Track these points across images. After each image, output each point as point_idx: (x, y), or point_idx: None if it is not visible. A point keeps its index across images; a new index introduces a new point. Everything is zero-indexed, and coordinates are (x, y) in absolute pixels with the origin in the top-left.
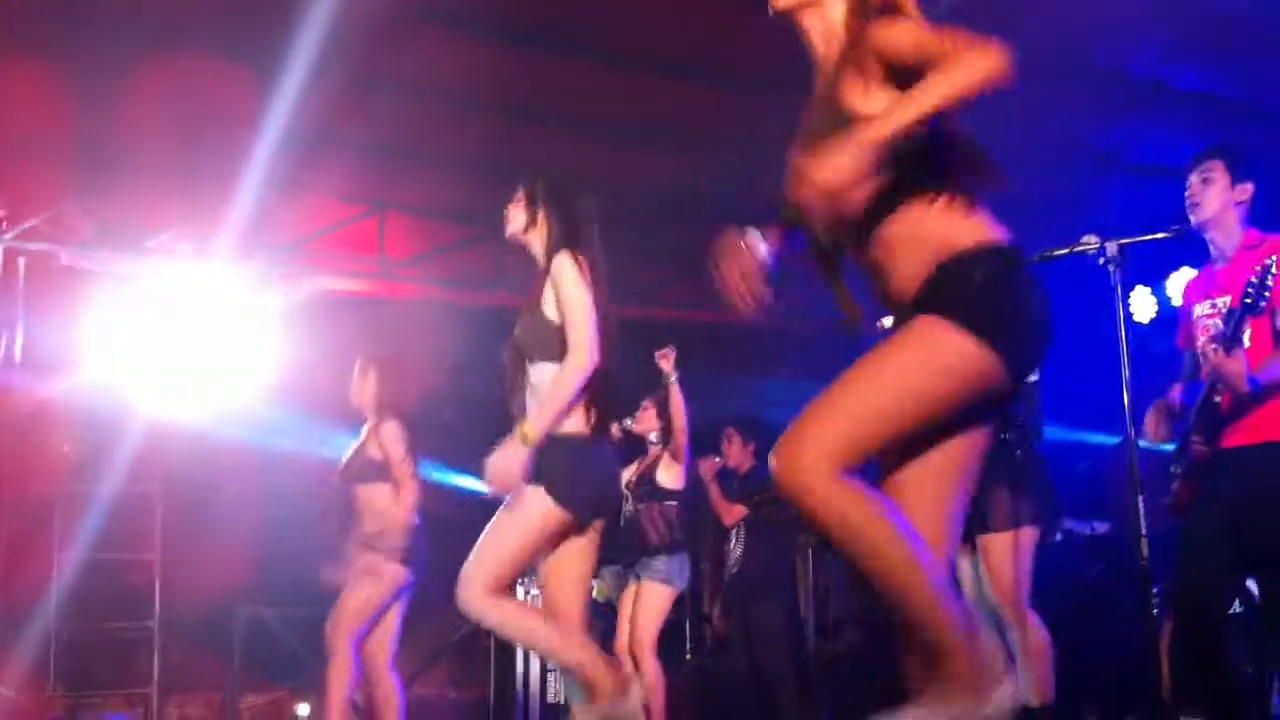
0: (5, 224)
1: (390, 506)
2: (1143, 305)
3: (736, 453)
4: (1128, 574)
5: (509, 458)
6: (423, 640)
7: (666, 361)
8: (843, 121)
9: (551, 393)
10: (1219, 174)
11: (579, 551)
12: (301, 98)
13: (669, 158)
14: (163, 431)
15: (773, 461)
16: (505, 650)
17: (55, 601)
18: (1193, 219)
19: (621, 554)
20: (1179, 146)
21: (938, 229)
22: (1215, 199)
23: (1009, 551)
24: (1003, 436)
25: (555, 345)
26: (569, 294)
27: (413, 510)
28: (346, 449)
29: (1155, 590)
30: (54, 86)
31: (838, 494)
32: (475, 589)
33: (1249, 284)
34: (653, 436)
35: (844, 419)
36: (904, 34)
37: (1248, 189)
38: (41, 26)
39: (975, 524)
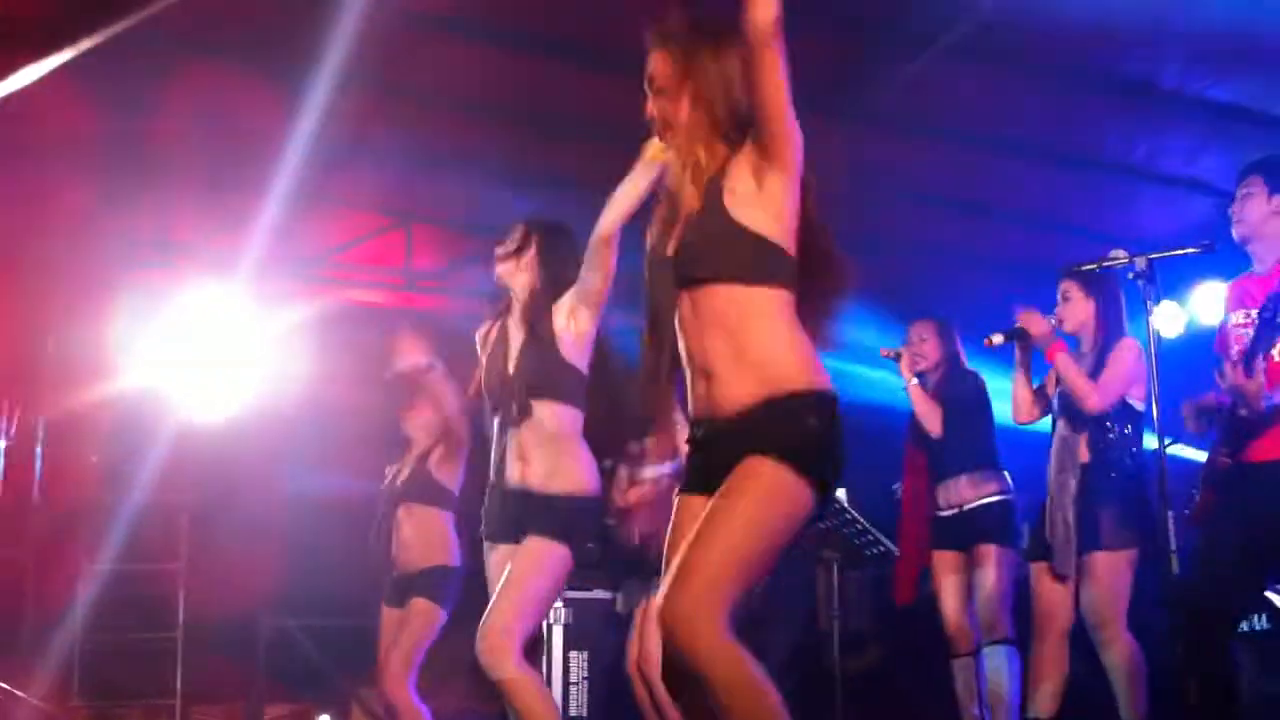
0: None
1: (443, 529)
2: (1170, 320)
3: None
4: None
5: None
6: (443, 654)
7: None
8: (730, 227)
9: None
10: (1258, 187)
11: None
12: (328, 110)
13: None
14: (189, 442)
15: (663, 617)
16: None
17: (80, 611)
18: (1235, 235)
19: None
20: (1208, 159)
21: (772, 357)
22: (1254, 211)
23: (1115, 571)
24: (1101, 467)
25: (566, 386)
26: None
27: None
28: (389, 470)
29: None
30: (85, 98)
31: (725, 646)
32: (511, 660)
33: (1270, 298)
34: None
35: (723, 576)
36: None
37: None
38: (73, 40)
39: (1083, 542)
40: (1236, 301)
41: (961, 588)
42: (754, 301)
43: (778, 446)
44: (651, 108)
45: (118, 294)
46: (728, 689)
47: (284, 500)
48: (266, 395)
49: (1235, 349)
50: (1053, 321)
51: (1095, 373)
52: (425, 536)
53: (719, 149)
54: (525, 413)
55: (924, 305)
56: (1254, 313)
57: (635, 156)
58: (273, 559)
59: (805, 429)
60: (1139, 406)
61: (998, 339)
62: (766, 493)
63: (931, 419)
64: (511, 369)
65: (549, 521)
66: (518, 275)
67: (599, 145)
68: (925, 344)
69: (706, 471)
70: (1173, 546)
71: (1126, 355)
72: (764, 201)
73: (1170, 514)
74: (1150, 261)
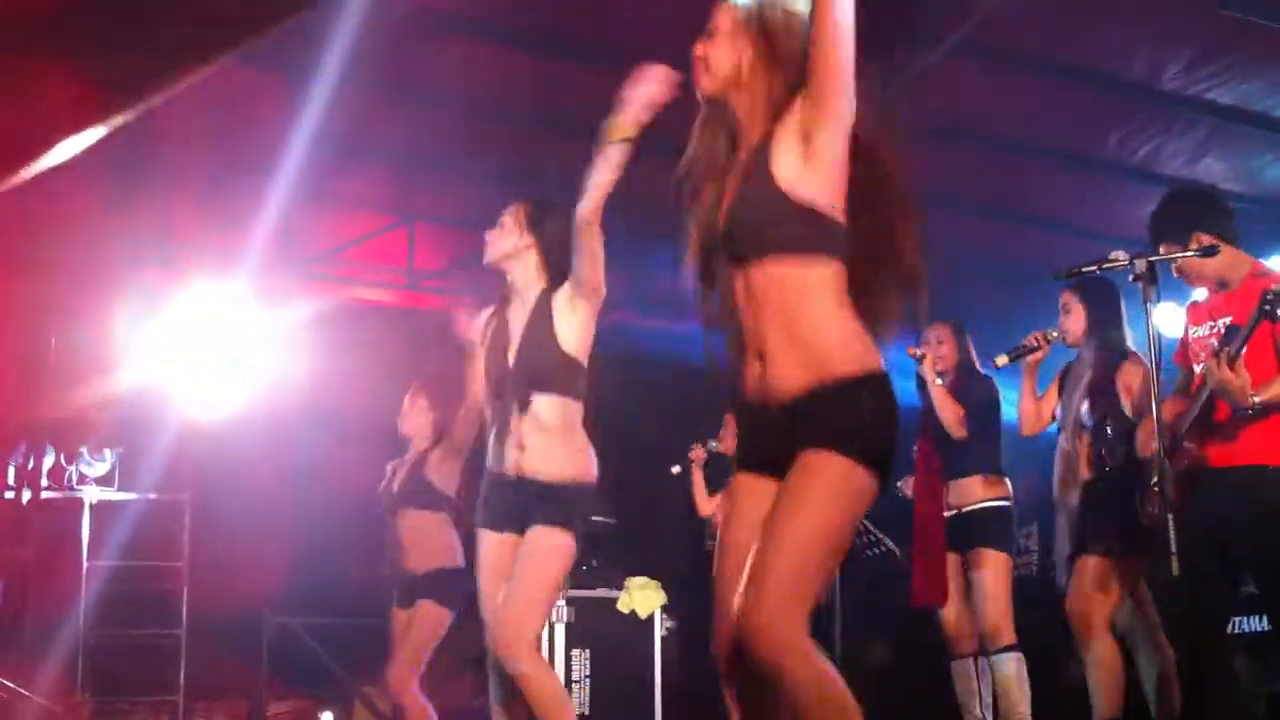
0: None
1: (442, 531)
2: (1169, 321)
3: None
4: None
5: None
6: (448, 651)
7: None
8: (782, 202)
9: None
10: (1168, 248)
11: None
12: (331, 108)
13: None
14: (192, 439)
15: (742, 627)
16: None
17: (84, 608)
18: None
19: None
20: (1210, 160)
21: (823, 340)
22: (1187, 265)
23: (1106, 576)
24: (1105, 468)
25: (566, 378)
26: (583, 336)
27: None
28: (389, 473)
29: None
30: (86, 96)
31: (808, 658)
32: (526, 653)
33: (1267, 293)
34: None
35: (798, 581)
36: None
37: (1200, 238)
38: (74, 38)
39: (1080, 544)
40: (1203, 315)
41: (960, 590)
42: (805, 279)
43: (835, 438)
44: (699, 49)
45: (121, 292)
46: (808, 705)
47: (287, 498)
48: (269, 393)
49: (1203, 355)
50: (1055, 334)
51: (1097, 387)
52: (425, 540)
53: (770, 108)
54: (524, 408)
55: (931, 305)
56: (1221, 322)
57: (643, 159)
58: (276, 556)
59: (859, 415)
60: (1136, 419)
61: (1003, 360)
62: (831, 490)
63: (956, 422)
64: (511, 361)
65: (552, 510)
66: (513, 260)
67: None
68: (942, 345)
69: (763, 452)
70: (1174, 549)
71: (1140, 380)
72: (813, 163)
73: (1170, 517)
74: (1150, 263)
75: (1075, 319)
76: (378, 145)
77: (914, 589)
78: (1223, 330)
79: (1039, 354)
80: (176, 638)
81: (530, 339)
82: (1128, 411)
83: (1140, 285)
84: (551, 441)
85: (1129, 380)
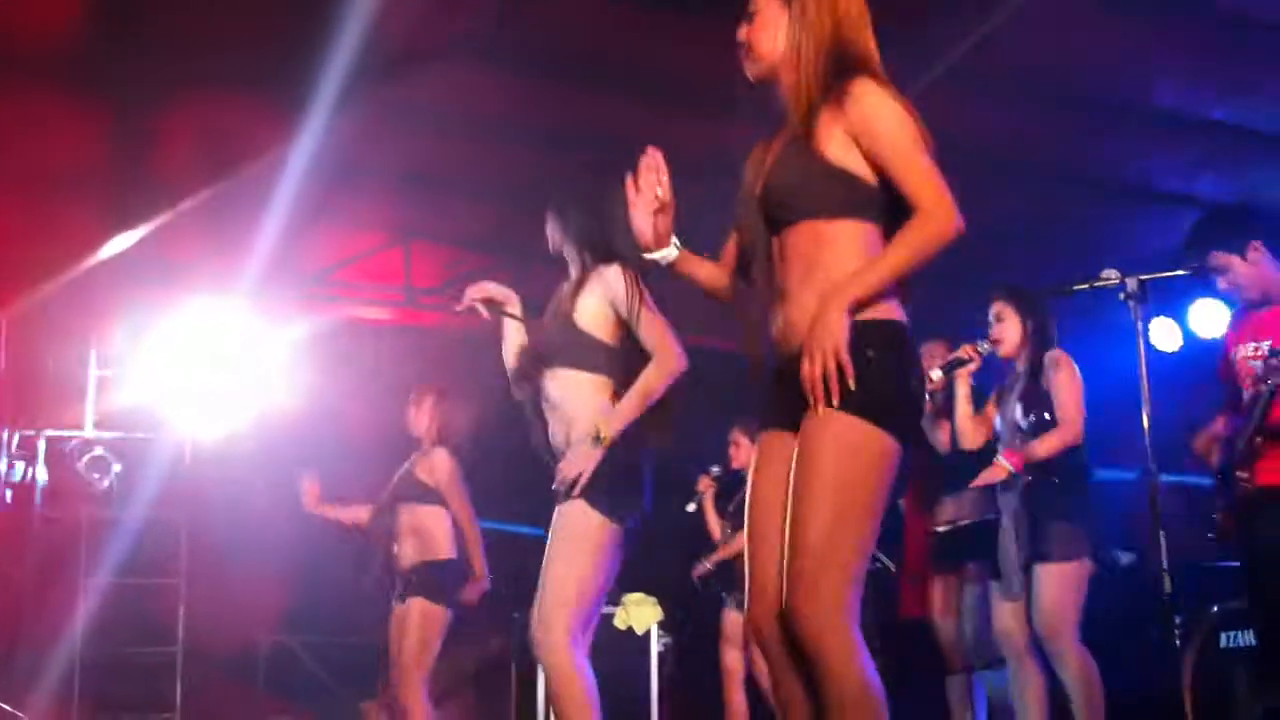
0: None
1: (439, 529)
2: (1166, 336)
3: (746, 456)
4: (1149, 606)
5: (581, 457)
6: (449, 662)
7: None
8: (815, 166)
9: (635, 391)
10: (1225, 258)
11: None
12: (327, 128)
13: (699, 188)
14: (189, 458)
15: (789, 610)
16: (530, 673)
17: (80, 626)
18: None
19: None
20: (1202, 177)
21: (838, 277)
22: (1240, 275)
23: (1067, 583)
24: (1054, 480)
25: (583, 353)
26: (634, 305)
27: (477, 536)
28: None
29: (1178, 622)
30: (85, 120)
31: (854, 653)
32: (553, 640)
33: None
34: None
35: (831, 555)
36: (886, 138)
37: (1257, 246)
38: (73, 63)
39: (1029, 555)
40: (1246, 334)
41: (954, 605)
42: (834, 231)
43: (838, 392)
44: (742, 32)
45: (118, 312)
46: (840, 702)
47: (283, 516)
48: (266, 411)
49: (1249, 380)
50: (986, 346)
51: (1030, 391)
52: (420, 533)
53: (817, 82)
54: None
55: (917, 322)
56: (1264, 345)
57: (634, 174)
58: (272, 574)
59: (860, 366)
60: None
61: (937, 376)
62: (839, 450)
63: (973, 433)
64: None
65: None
66: (568, 252)
67: (598, 162)
68: (1003, 324)
69: (785, 404)
70: (1164, 565)
71: (1068, 372)
72: (858, 151)
73: (1162, 534)
74: (1142, 282)
75: (1011, 328)
76: (374, 164)
77: (902, 600)
78: (1266, 353)
79: (972, 366)
80: (173, 656)
81: (551, 318)
82: (1057, 412)
83: (1131, 304)
84: (557, 418)
85: (1058, 377)
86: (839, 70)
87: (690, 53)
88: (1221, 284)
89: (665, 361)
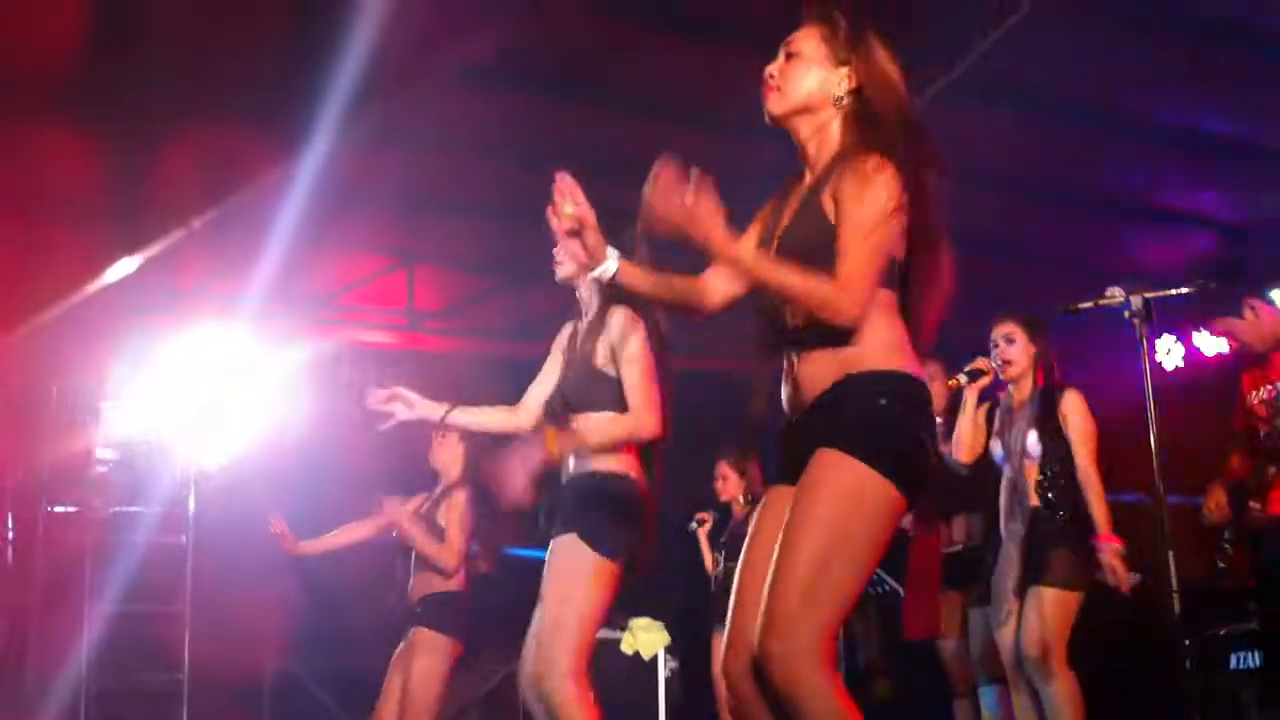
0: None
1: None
2: (1169, 353)
3: (734, 488)
4: (1158, 628)
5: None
6: (454, 691)
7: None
8: (821, 223)
9: (600, 427)
10: (1257, 307)
11: None
12: (330, 151)
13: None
14: (193, 484)
15: (760, 652)
16: None
17: (85, 653)
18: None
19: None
20: (1208, 193)
21: (852, 337)
22: (1269, 328)
23: (1063, 609)
24: (1049, 510)
25: (604, 397)
26: (622, 355)
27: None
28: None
29: (1186, 644)
30: (89, 146)
31: (829, 691)
32: (557, 675)
33: None
34: (741, 498)
35: (811, 595)
36: (854, 214)
37: (1253, 304)
38: (76, 89)
39: (1029, 578)
40: (1257, 380)
41: (960, 627)
42: None
43: (844, 434)
44: (772, 68)
45: (121, 337)
46: None
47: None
48: (271, 437)
49: (1262, 420)
50: (997, 365)
51: (1040, 418)
52: (430, 567)
53: (840, 148)
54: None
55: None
56: (1277, 385)
57: (638, 195)
58: (278, 600)
59: (871, 412)
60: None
61: (963, 380)
62: (838, 491)
63: (972, 446)
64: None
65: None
66: (583, 282)
67: (603, 185)
68: (934, 382)
69: (792, 460)
70: (1174, 586)
71: (1085, 412)
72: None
73: (1170, 554)
74: (1146, 301)
75: (1020, 350)
76: (377, 188)
77: (905, 622)
78: (1276, 391)
79: (985, 381)
80: (179, 682)
81: (575, 359)
82: (1070, 442)
83: (1136, 323)
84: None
85: (1068, 410)
86: (865, 147)
87: (691, 72)
88: (1229, 344)
89: (637, 422)
